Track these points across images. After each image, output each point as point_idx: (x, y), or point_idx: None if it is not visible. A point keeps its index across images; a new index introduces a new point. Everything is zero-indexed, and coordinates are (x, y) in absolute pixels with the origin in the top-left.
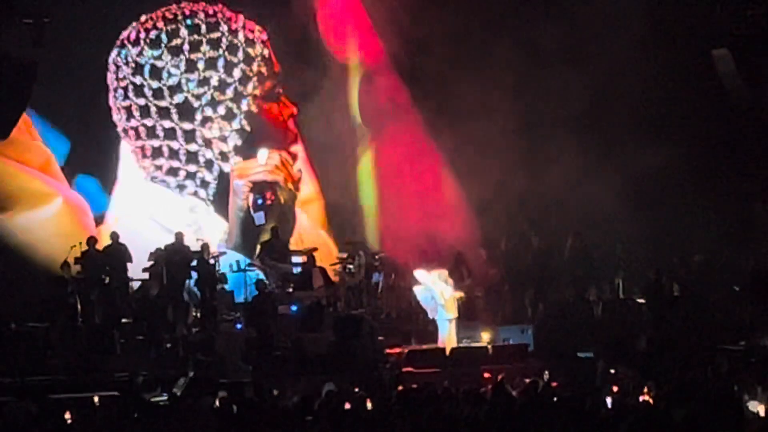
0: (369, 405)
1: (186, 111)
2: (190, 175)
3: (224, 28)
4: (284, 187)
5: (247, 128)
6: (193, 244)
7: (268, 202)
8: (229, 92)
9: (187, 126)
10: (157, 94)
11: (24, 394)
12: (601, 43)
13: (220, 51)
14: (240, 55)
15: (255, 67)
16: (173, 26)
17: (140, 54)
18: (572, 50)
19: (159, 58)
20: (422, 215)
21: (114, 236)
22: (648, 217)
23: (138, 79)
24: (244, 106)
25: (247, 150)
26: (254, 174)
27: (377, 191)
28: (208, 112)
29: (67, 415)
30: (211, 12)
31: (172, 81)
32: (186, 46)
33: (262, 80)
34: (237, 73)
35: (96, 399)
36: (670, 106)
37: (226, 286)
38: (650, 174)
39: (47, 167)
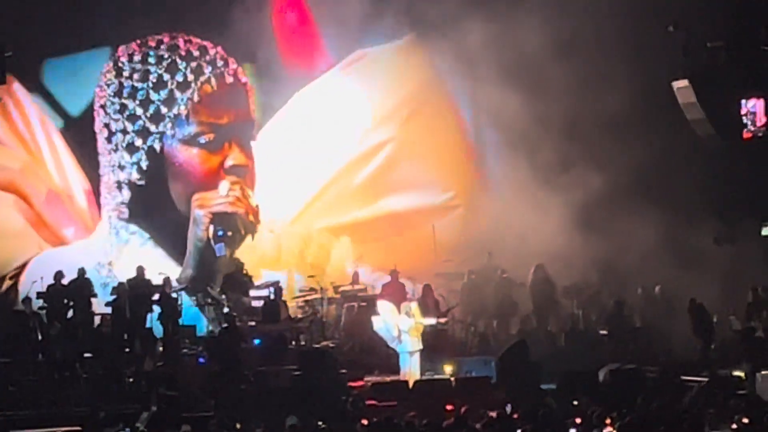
0: None
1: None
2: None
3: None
4: (245, 219)
5: (143, 164)
6: (155, 277)
7: (229, 233)
8: (137, 125)
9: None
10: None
11: None
12: (551, 66)
13: (148, 83)
14: (163, 93)
15: (175, 109)
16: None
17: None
18: (522, 73)
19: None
20: (387, 245)
21: (81, 271)
22: (599, 246)
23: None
24: (148, 142)
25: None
26: (215, 205)
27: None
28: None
29: None
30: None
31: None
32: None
33: (179, 123)
34: (151, 108)
35: None
36: (619, 135)
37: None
38: (598, 202)
39: (10, 185)
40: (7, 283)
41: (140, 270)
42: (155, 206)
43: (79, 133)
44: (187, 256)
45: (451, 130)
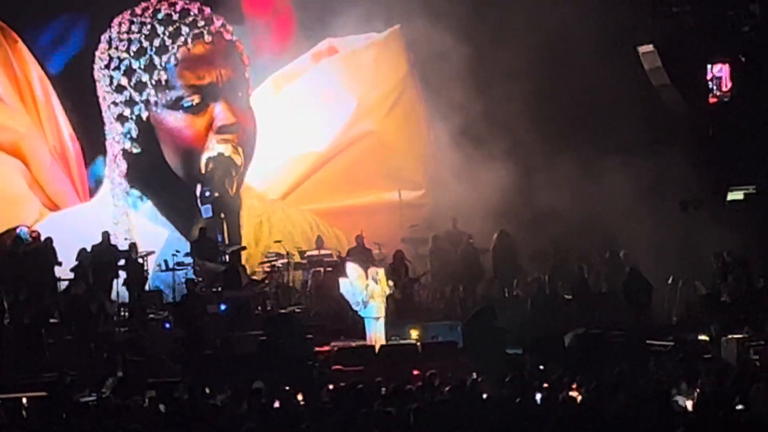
0: (298, 403)
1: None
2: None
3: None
4: (235, 179)
5: (134, 133)
6: (121, 243)
7: (216, 194)
8: (125, 95)
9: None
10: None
11: None
12: (519, 32)
13: (130, 52)
14: (143, 61)
15: (156, 75)
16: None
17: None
18: (486, 34)
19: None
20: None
21: (48, 240)
22: (565, 211)
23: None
24: (135, 111)
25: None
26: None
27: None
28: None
29: None
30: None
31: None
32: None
33: (161, 89)
34: (134, 77)
35: (24, 400)
36: (596, 105)
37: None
38: (575, 169)
39: (15, 148)
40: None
41: (105, 235)
42: (153, 172)
43: (72, 94)
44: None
45: (422, 126)
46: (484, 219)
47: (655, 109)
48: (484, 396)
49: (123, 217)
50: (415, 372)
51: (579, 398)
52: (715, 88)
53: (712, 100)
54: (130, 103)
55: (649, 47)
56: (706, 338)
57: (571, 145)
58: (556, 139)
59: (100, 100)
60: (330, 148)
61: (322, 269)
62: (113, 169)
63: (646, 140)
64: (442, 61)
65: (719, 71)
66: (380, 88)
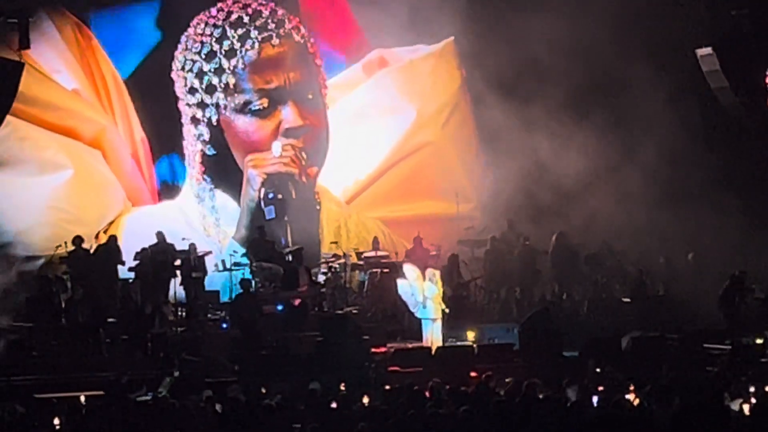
0: (354, 404)
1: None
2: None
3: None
4: (299, 181)
5: (206, 136)
6: (178, 243)
7: (279, 196)
8: (196, 97)
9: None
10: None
11: (9, 394)
12: (577, 37)
13: (201, 55)
14: (213, 64)
15: (225, 79)
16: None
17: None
18: (546, 42)
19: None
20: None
21: (112, 239)
22: (622, 214)
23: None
24: (207, 114)
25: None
26: (269, 165)
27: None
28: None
29: (56, 421)
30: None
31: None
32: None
33: (229, 92)
34: (205, 80)
35: (82, 398)
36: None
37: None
38: (636, 173)
39: (97, 140)
40: (102, 237)
41: (161, 236)
42: (228, 174)
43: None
44: (240, 217)
45: (472, 139)
46: (538, 220)
47: (713, 113)
48: (541, 397)
49: (203, 217)
50: (472, 374)
51: (636, 401)
52: None
53: None
54: (202, 105)
55: (708, 50)
56: (763, 341)
57: (624, 150)
58: (612, 145)
59: (178, 101)
60: (389, 157)
61: (378, 270)
62: (192, 169)
63: (703, 144)
64: (493, 72)
65: None
66: (438, 100)
